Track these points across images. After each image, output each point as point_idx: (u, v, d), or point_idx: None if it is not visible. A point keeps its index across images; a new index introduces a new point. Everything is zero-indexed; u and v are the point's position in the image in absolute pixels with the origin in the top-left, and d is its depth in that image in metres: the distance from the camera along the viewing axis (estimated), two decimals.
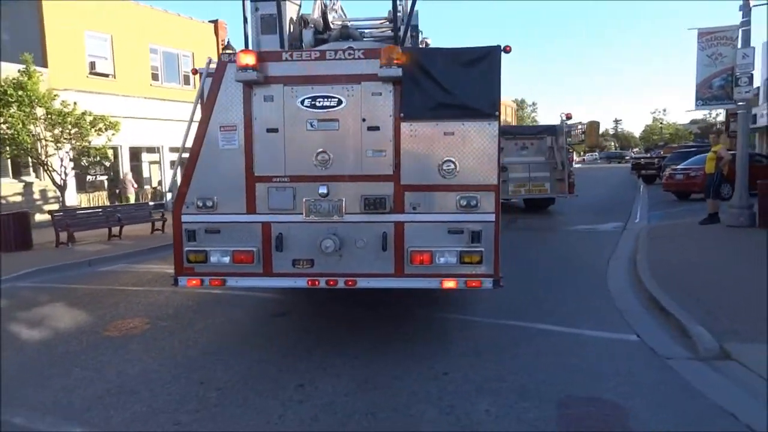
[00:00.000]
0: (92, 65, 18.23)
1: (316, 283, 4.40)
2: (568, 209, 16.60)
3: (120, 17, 19.08)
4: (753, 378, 4.01)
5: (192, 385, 4.12)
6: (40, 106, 12.78)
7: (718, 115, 53.88)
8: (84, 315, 6.31)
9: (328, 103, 4.25)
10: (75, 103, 13.44)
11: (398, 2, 5.66)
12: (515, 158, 15.58)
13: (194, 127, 4.43)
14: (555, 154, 15.55)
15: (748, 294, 5.80)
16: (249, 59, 4.09)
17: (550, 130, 16.01)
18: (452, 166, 4.22)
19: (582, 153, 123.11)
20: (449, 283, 4.28)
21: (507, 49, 4.24)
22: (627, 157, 61.82)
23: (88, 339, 5.39)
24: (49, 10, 17.30)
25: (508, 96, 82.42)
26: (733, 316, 5.11)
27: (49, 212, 12.55)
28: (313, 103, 4.26)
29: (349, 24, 6.18)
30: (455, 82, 4.15)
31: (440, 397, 3.81)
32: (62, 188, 13.84)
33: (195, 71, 4.83)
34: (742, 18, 10.26)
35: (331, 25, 6.02)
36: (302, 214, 4.34)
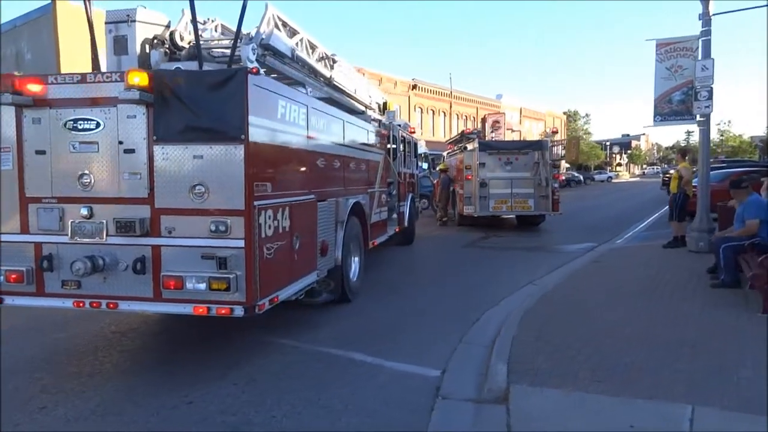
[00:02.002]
0: None
1: (81, 304, 4.41)
2: (559, 227, 15.91)
3: None
4: (500, 424, 3.65)
5: None
6: None
7: None
8: None
9: (87, 126, 4.28)
10: None
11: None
12: (497, 173, 15.09)
13: None
14: (540, 170, 14.94)
15: (617, 334, 5.29)
16: (6, 83, 4.19)
17: (536, 145, 15.40)
18: (202, 189, 4.13)
19: (643, 167, 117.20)
20: (200, 309, 4.17)
21: (254, 71, 4.13)
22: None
23: None
24: (63, 32, 18.52)
25: (559, 107, 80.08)
26: (558, 358, 4.66)
27: None
28: (75, 125, 4.30)
29: (203, 43, 6.20)
30: (202, 105, 4.07)
31: (151, 427, 3.71)
32: None
33: None
34: (702, 27, 9.52)
35: (183, 46, 6.05)
36: (68, 235, 4.37)
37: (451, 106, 44.92)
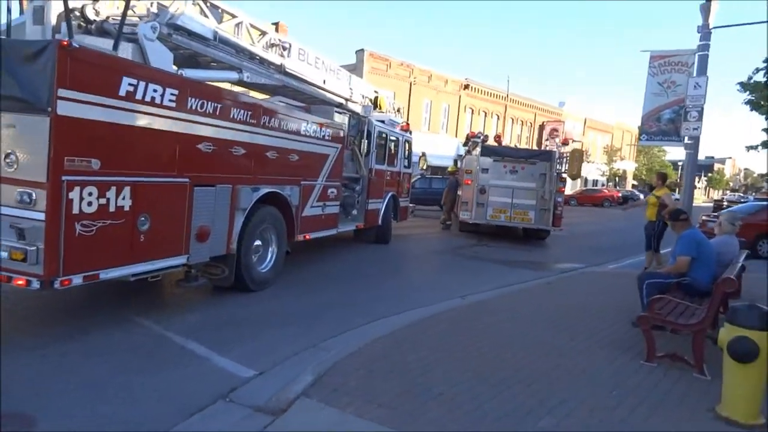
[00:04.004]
0: None
1: None
2: (563, 244, 15.14)
3: None
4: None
5: None
6: None
7: None
8: None
9: None
10: None
11: None
12: (498, 181, 14.49)
13: None
14: (546, 182, 14.21)
15: (465, 363, 4.90)
16: None
17: (545, 155, 14.66)
18: (14, 159, 4.15)
19: (725, 192, 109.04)
20: (3, 278, 4.20)
21: (64, 44, 4.08)
22: None
23: None
24: None
25: (635, 120, 75.81)
26: (375, 378, 4.35)
27: None
28: None
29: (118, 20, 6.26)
30: (17, 75, 4.08)
31: None
32: None
33: None
34: (700, 41, 8.63)
35: (94, 19, 6.13)
36: None
37: (506, 110, 43.63)
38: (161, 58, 5.87)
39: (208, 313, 6.02)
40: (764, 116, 11.79)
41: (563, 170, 13.85)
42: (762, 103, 11.52)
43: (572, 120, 52.65)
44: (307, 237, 8.31)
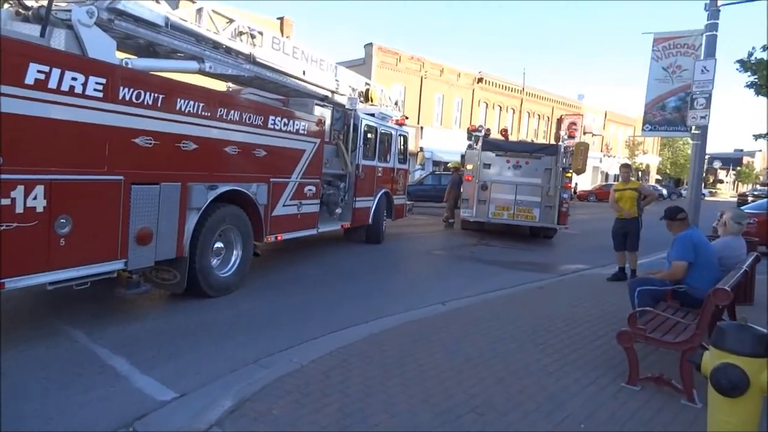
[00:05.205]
0: None
1: None
2: (571, 243, 14.41)
3: None
4: None
5: None
6: None
7: None
8: None
9: None
10: None
11: None
12: (500, 177, 13.81)
13: None
14: (551, 177, 13.48)
15: (418, 385, 4.33)
16: None
17: (550, 149, 13.90)
18: None
19: (755, 186, 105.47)
20: None
21: None
22: None
23: None
24: None
25: None
26: (308, 403, 3.82)
27: None
28: None
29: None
30: None
31: None
32: None
33: None
34: (708, 20, 7.85)
35: (30, 5, 5.70)
36: None
37: (522, 103, 42.55)
38: (100, 46, 5.42)
39: (153, 322, 5.55)
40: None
41: (568, 165, 13.08)
42: (765, 85, 10.48)
43: (592, 113, 51.20)
44: (280, 238, 7.78)
